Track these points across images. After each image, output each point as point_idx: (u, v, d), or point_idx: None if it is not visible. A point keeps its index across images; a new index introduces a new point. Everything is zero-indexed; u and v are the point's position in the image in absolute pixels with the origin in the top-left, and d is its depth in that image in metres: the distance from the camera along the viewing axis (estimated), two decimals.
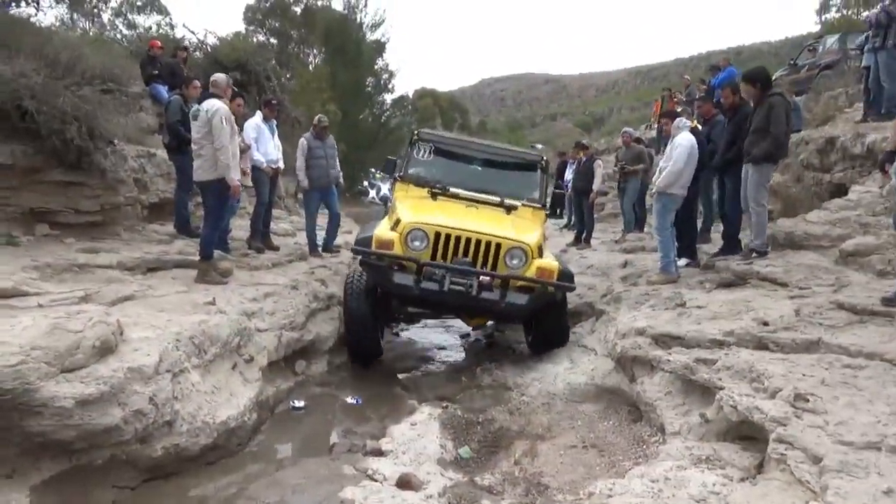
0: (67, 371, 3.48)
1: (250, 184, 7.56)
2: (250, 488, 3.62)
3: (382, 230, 5.68)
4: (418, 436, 4.39)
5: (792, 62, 17.13)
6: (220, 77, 6.23)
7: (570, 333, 6.24)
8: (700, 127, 7.78)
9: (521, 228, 5.83)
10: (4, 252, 5.43)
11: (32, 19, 10.89)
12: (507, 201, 6.42)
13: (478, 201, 6.36)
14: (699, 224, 8.18)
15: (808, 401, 3.22)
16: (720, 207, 7.49)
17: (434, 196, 6.37)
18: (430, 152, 6.94)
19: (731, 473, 3.11)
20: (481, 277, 5.21)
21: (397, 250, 5.37)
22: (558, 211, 16.11)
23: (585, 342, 5.80)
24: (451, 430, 4.53)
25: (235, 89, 6.65)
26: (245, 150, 7.07)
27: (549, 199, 7.08)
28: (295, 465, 3.97)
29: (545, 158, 7.25)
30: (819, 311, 4.43)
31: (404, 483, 3.54)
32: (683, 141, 6.46)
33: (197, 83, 7.33)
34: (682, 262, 7.27)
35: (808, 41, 18.65)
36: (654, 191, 6.81)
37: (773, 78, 17.07)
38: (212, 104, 5.72)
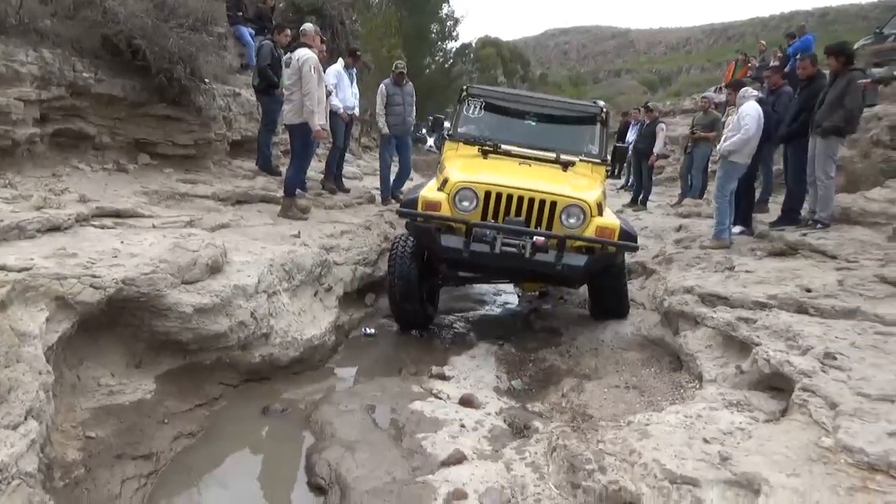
0: (187, 283, 4.10)
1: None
2: (333, 396, 4.20)
3: (429, 191, 5.35)
4: (477, 366, 4.92)
5: (878, 31, 16.44)
6: (308, 27, 6.67)
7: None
8: (767, 98, 7.88)
9: (578, 185, 5.40)
10: (118, 178, 6.10)
11: None
12: (564, 157, 5.95)
13: (532, 158, 5.92)
14: (758, 194, 8.33)
15: (835, 359, 3.57)
16: (784, 178, 7.62)
17: (485, 154, 5.93)
18: (480, 108, 6.49)
19: (757, 416, 3.50)
20: (535, 238, 4.78)
21: (445, 211, 5.03)
22: (615, 171, 16.20)
23: (634, 296, 6.15)
24: (505, 364, 5.03)
25: (323, 38, 7.05)
26: (329, 94, 7.54)
27: (608, 155, 6.58)
28: (370, 381, 4.53)
29: (605, 110, 6.64)
30: (862, 283, 4.69)
31: (466, 401, 4.07)
32: (751, 110, 6.60)
33: (288, 31, 7.77)
34: (737, 229, 7.49)
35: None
36: (718, 156, 7.00)
37: (855, 47, 16.50)
38: (303, 53, 6.17)
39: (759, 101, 7.47)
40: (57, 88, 5.73)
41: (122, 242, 4.21)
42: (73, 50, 6.05)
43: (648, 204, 11.47)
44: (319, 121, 6.28)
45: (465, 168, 5.50)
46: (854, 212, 6.45)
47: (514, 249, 4.73)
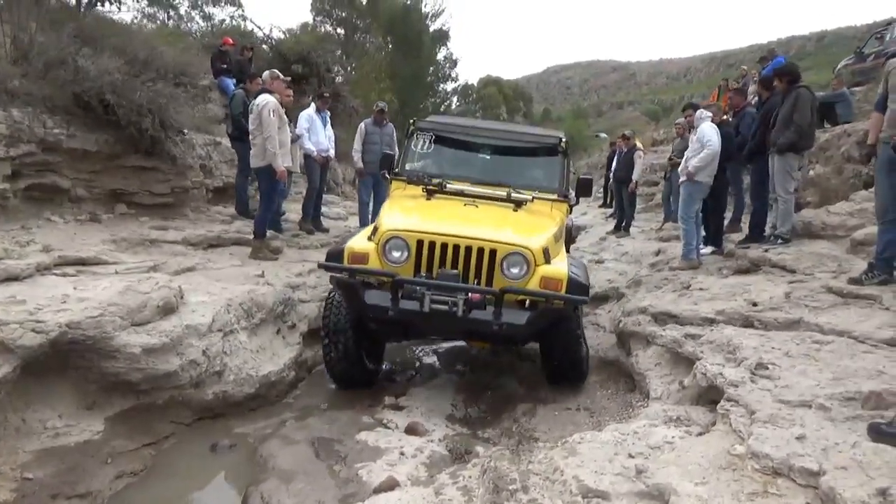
0: (137, 325, 4.21)
1: (297, 170, 8.18)
2: (282, 430, 4.25)
3: (357, 240, 4.77)
4: (435, 395, 4.96)
5: (858, 50, 16.67)
6: (265, 74, 6.95)
7: (585, 315, 6.20)
8: (731, 119, 8.02)
9: (526, 228, 4.80)
10: (89, 228, 6.28)
11: (115, 17, 11.91)
12: (516, 195, 5.29)
13: (481, 197, 5.27)
14: (730, 214, 8.39)
15: (767, 368, 3.60)
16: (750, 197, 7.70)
17: (430, 194, 5.29)
18: (430, 142, 5.93)
19: (692, 429, 3.51)
20: (470, 293, 4.20)
21: (373, 263, 4.46)
22: (607, 200, 16.37)
23: (599, 321, 6.19)
24: (464, 392, 5.07)
25: (285, 79, 7.26)
26: (296, 139, 7.75)
27: (570, 190, 5.99)
28: (323, 415, 4.58)
29: (564, 140, 5.96)
30: (811, 294, 4.73)
31: (411, 430, 4.11)
32: (710, 130, 6.72)
33: (259, 79, 8.04)
34: (708, 249, 7.55)
35: (875, 29, 18.05)
36: (681, 179, 7.09)
37: (837, 67, 16.67)
38: (262, 99, 6.41)
39: (723, 123, 7.62)
40: (27, 145, 5.96)
41: (74, 288, 4.34)
42: (45, 107, 6.30)
43: (633, 230, 11.55)
44: (284, 163, 6.46)
45: (399, 212, 5.01)
46: (815, 226, 6.49)
47: (444, 307, 4.13)
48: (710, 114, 6.99)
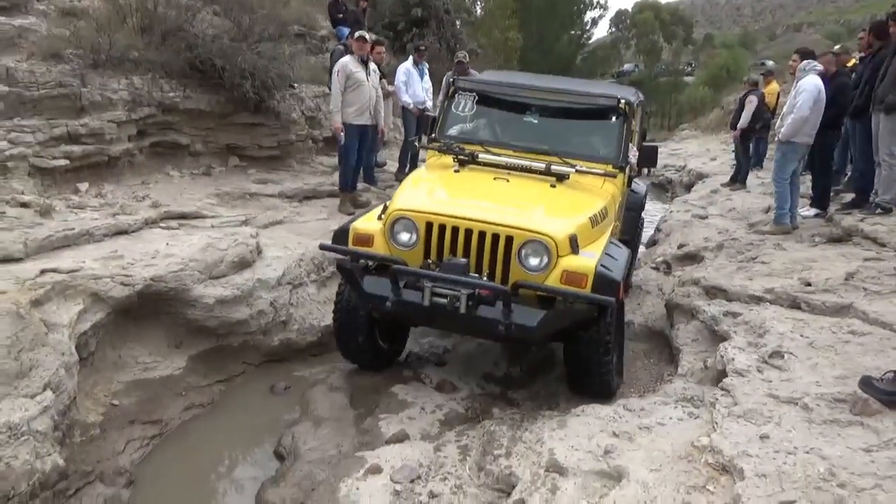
0: (213, 278, 4.86)
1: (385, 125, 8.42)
2: (331, 377, 4.75)
3: (366, 219, 4.30)
4: (480, 353, 5.25)
5: None
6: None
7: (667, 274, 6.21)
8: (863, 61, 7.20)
9: (557, 209, 4.15)
10: (199, 181, 7.09)
11: None
12: (557, 167, 4.58)
13: (517, 168, 4.62)
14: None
15: (782, 357, 3.54)
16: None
17: (462, 165, 4.70)
18: (472, 104, 5.21)
19: (696, 412, 3.56)
20: (478, 288, 3.69)
21: (378, 247, 4.02)
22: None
23: (665, 285, 6.09)
24: (510, 351, 5.30)
25: (370, 37, 7.49)
26: (388, 94, 8.09)
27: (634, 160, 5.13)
28: None
29: (626, 100, 5.00)
30: (877, 276, 4.42)
31: (440, 386, 4.47)
32: (808, 85, 6.16)
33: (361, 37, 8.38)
34: (812, 212, 7.05)
35: None
36: (776, 139, 6.62)
37: None
38: (338, 59, 6.85)
39: (839, 73, 6.94)
40: (147, 108, 6.79)
41: (167, 244, 5.05)
42: (164, 73, 7.09)
43: (753, 181, 10.80)
44: (360, 120, 6.94)
45: (415, 188, 4.51)
46: None
47: (444, 301, 3.67)
48: (817, 65, 6.35)
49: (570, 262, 3.78)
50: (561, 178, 4.52)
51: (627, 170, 5.03)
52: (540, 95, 5.29)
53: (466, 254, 3.85)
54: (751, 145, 11.14)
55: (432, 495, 3.16)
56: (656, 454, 2.96)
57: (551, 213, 4.08)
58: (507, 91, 5.41)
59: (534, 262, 3.80)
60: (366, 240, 4.07)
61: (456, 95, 5.30)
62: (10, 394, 3.21)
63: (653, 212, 11.81)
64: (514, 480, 3.10)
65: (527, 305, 3.76)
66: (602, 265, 3.77)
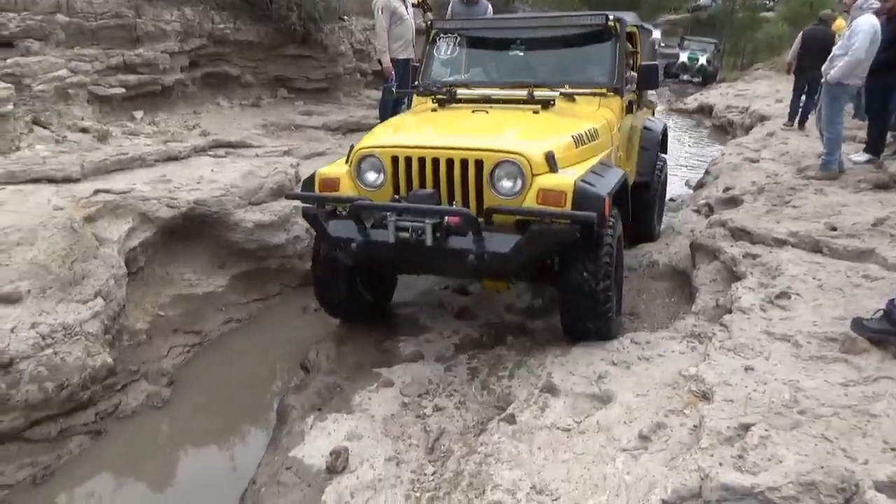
0: (253, 204, 5.16)
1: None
2: None
3: (333, 165, 4.10)
4: (507, 289, 5.41)
5: None
6: None
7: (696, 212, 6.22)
8: None
9: (534, 132, 3.86)
10: (248, 112, 7.37)
11: None
12: (539, 93, 4.32)
13: (498, 101, 4.39)
14: None
15: (789, 298, 3.57)
16: None
17: (441, 104, 4.43)
18: (454, 45, 5.02)
19: (699, 347, 3.67)
20: (447, 216, 3.37)
21: (345, 189, 3.73)
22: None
23: (697, 228, 6.05)
24: (534, 286, 5.45)
25: None
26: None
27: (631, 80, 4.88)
28: (403, 290, 5.26)
29: (615, 18, 4.64)
30: None
31: (460, 313, 4.68)
32: (864, 25, 5.85)
33: None
34: (863, 157, 6.79)
35: None
36: (823, 81, 6.35)
37: None
38: None
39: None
40: (199, 39, 7.04)
41: (212, 171, 5.36)
42: (214, 4, 7.29)
43: (813, 124, 10.34)
44: (403, 55, 6.96)
45: (384, 128, 4.33)
46: None
47: (407, 235, 3.35)
48: (875, 2, 6.00)
49: (546, 180, 3.44)
50: (546, 104, 4.22)
51: (629, 97, 4.83)
52: (526, 26, 5.16)
53: (437, 186, 3.55)
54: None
55: (437, 408, 3.41)
56: (645, 381, 3.11)
57: (526, 135, 3.81)
58: (490, 26, 5.31)
59: (507, 184, 3.45)
60: (332, 184, 3.79)
61: (437, 39, 5.05)
62: (64, 298, 3.60)
63: (709, 155, 11.53)
64: (512, 399, 3.32)
65: (504, 234, 3.41)
66: (583, 180, 3.43)
